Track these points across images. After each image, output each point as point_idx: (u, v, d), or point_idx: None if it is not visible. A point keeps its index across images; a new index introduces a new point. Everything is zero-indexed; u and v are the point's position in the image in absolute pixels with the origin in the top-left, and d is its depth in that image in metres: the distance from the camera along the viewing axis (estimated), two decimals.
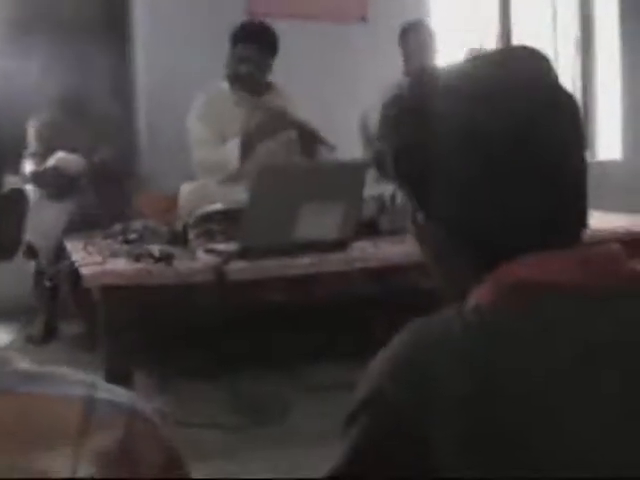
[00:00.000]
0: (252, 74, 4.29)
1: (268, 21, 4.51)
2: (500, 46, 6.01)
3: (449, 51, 5.30)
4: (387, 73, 4.99)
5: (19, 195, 0.89)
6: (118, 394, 0.77)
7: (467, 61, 1.10)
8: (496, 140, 0.99)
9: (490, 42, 6.04)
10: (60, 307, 4.28)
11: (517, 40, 6.13)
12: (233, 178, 4.08)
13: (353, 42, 5.35)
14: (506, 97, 1.01)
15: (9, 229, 0.88)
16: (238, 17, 5.09)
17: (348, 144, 4.42)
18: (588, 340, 0.92)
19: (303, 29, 4.90)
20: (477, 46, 5.49)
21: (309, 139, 4.22)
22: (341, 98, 5.15)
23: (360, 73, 5.21)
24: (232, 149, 4.16)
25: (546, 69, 1.07)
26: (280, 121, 4.23)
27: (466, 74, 1.07)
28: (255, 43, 4.23)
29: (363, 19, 5.43)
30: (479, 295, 0.99)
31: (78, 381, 0.77)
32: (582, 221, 1.04)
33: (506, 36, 6.09)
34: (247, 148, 4.17)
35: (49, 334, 4.24)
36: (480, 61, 1.10)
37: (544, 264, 0.97)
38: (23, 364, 0.77)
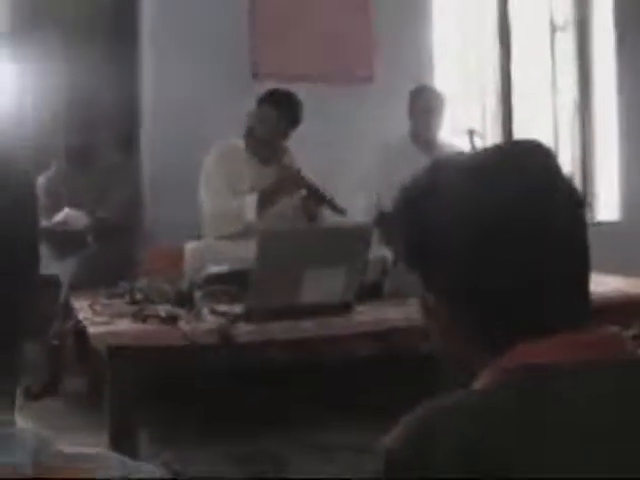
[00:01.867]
0: (268, 137, 4.42)
1: (275, 83, 4.63)
2: (501, 109, 6.12)
3: (452, 113, 5.37)
4: (392, 134, 5.10)
5: (55, 280, 0.95)
6: (147, 471, 0.81)
7: (476, 152, 1.17)
8: (502, 224, 1.05)
9: (491, 102, 6.13)
10: (63, 364, 4.30)
11: (517, 100, 6.22)
12: (243, 234, 4.14)
13: (358, 103, 5.42)
14: (512, 184, 1.07)
15: (44, 312, 0.93)
16: (245, 78, 5.21)
17: (352, 205, 4.48)
18: (587, 422, 0.95)
19: (309, 90, 4.98)
20: (475, 124, 5.55)
21: (319, 202, 4.30)
22: (345, 159, 5.21)
23: (365, 134, 5.28)
24: (250, 203, 4.24)
25: (548, 159, 1.12)
26: (296, 181, 4.33)
27: (475, 164, 1.12)
28: (276, 109, 4.37)
29: (369, 79, 5.51)
30: (483, 379, 1.04)
31: (114, 464, 0.81)
32: (585, 299, 1.09)
33: (507, 99, 6.18)
34: (265, 204, 4.26)
35: (49, 390, 4.25)
36: (488, 151, 1.17)
37: (546, 349, 1.02)
38: (62, 445, 0.81)
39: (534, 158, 1.11)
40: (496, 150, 1.16)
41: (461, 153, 1.25)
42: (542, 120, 6.38)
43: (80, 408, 4.00)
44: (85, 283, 4.06)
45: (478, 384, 1.04)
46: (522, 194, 1.06)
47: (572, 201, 1.11)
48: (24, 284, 0.89)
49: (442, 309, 1.11)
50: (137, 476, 0.80)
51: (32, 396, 4.18)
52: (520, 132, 6.17)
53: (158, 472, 0.83)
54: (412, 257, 1.15)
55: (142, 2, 5.30)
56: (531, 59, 6.36)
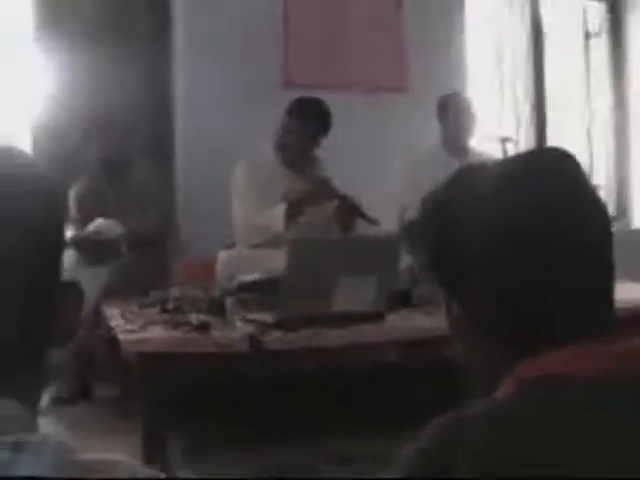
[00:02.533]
0: (297, 146, 4.42)
1: (306, 92, 4.64)
2: (535, 117, 6.09)
3: (484, 122, 5.36)
4: (424, 143, 5.09)
5: (78, 287, 0.96)
6: None
7: (503, 159, 1.16)
8: (529, 233, 1.04)
9: (525, 110, 6.11)
10: (95, 371, 4.33)
11: (551, 107, 6.20)
12: (274, 243, 4.15)
13: (390, 113, 5.43)
14: (539, 192, 1.06)
15: (67, 318, 0.94)
16: (276, 86, 5.23)
17: (383, 214, 4.47)
18: (604, 431, 0.95)
19: (341, 99, 4.98)
20: (509, 132, 5.54)
21: (350, 212, 4.29)
22: (376, 169, 5.21)
23: (396, 144, 5.28)
24: (278, 213, 4.23)
25: (576, 168, 1.12)
26: (325, 191, 4.33)
27: (502, 172, 1.12)
28: (305, 118, 4.36)
29: (402, 89, 5.51)
30: (503, 389, 1.03)
31: (136, 473, 0.81)
32: (610, 310, 1.08)
33: (540, 107, 6.15)
34: (293, 214, 4.25)
35: (80, 396, 4.28)
36: (515, 158, 1.16)
37: (567, 359, 1.01)
38: (84, 453, 0.82)
39: (563, 167, 1.10)
40: (524, 158, 1.15)
41: (488, 160, 1.24)
42: (576, 127, 6.35)
43: (112, 414, 4.01)
44: (117, 292, 4.10)
45: (500, 393, 1.04)
46: (551, 203, 1.05)
47: (599, 212, 1.10)
48: (46, 291, 0.90)
49: (466, 317, 1.11)
50: None
51: (63, 402, 4.22)
52: (554, 140, 6.14)
53: None
54: (437, 264, 1.15)
55: (175, 11, 5.33)
56: (565, 66, 6.33)
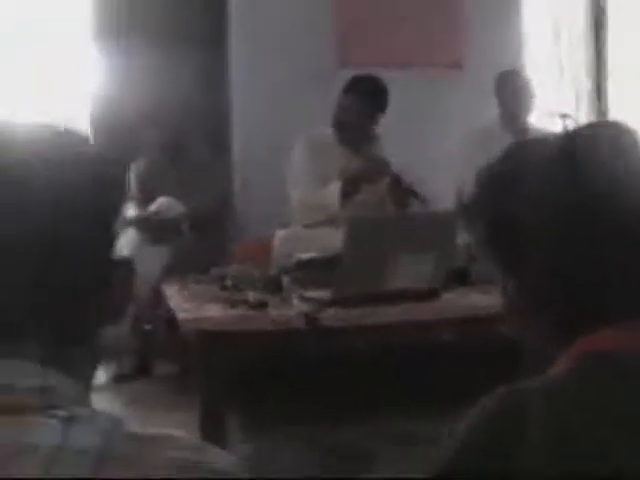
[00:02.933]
0: (355, 124, 4.41)
1: (362, 70, 4.63)
2: (595, 93, 5.99)
3: (543, 99, 5.28)
4: (482, 120, 5.04)
5: (130, 265, 0.97)
6: (223, 460, 0.82)
7: (558, 134, 1.15)
8: (585, 208, 1.03)
9: (586, 86, 6.00)
10: (156, 349, 4.40)
11: (612, 83, 6.08)
12: (330, 222, 4.16)
13: (447, 89, 5.39)
14: (595, 167, 1.05)
15: (119, 295, 0.95)
16: (332, 66, 5.22)
17: (440, 193, 4.45)
18: None
19: (397, 77, 4.95)
20: (569, 108, 5.45)
21: (403, 191, 4.28)
22: (434, 146, 5.18)
23: (453, 122, 5.23)
24: (333, 192, 4.25)
25: (633, 141, 1.10)
26: (380, 169, 4.32)
27: (558, 145, 1.10)
28: (361, 95, 4.37)
29: (459, 66, 5.46)
30: (559, 366, 1.03)
31: (186, 446, 0.82)
32: None
33: (601, 82, 6.04)
34: (348, 192, 4.26)
35: (140, 373, 4.35)
36: (571, 134, 1.14)
37: (619, 336, 1.01)
38: (133, 427, 0.83)
39: (620, 141, 1.08)
40: (580, 132, 1.13)
41: (545, 135, 1.22)
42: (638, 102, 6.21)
43: (171, 391, 4.09)
44: (178, 271, 4.15)
45: (555, 369, 1.04)
46: (607, 178, 1.04)
47: None
48: (98, 269, 0.91)
49: (521, 294, 1.11)
50: (208, 464, 0.81)
51: (124, 379, 4.30)
52: (615, 115, 6.02)
53: (233, 465, 0.84)
54: (493, 239, 1.14)
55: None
56: (627, 40, 6.19)
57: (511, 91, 4.93)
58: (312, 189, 4.32)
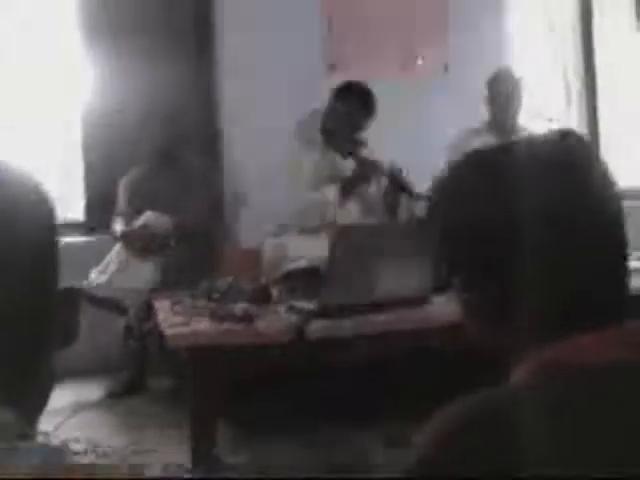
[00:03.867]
0: (342, 130, 4.46)
1: (350, 75, 4.64)
2: (584, 91, 5.97)
3: (532, 97, 5.26)
4: (469, 123, 5.02)
5: (74, 294, 0.96)
6: None
7: (509, 143, 1.15)
8: (543, 216, 1.03)
9: (574, 84, 5.99)
10: (148, 364, 4.38)
11: (602, 84, 6.07)
12: (327, 226, 4.16)
13: (433, 92, 5.38)
14: (547, 177, 1.05)
15: (66, 324, 0.94)
16: (320, 71, 5.22)
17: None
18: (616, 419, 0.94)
19: (384, 80, 4.94)
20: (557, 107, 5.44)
21: (399, 189, 4.29)
22: (421, 150, 5.16)
23: (440, 125, 5.21)
24: (330, 194, 4.27)
25: (584, 150, 1.10)
26: (374, 169, 4.34)
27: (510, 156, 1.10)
28: (349, 102, 4.41)
29: (444, 68, 5.45)
30: (520, 374, 1.02)
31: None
32: (622, 298, 1.06)
33: (590, 81, 6.03)
34: (345, 194, 4.30)
35: (133, 389, 4.33)
36: (523, 143, 1.15)
37: (579, 345, 1.00)
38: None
39: (570, 151, 1.09)
40: (532, 142, 1.14)
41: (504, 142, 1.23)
42: (629, 99, 6.20)
43: (165, 405, 4.06)
44: (168, 284, 4.14)
45: (516, 377, 1.03)
46: (560, 187, 1.04)
47: (609, 195, 1.08)
48: (42, 297, 0.90)
49: (481, 300, 1.10)
50: None
51: (117, 395, 4.28)
52: (604, 115, 6.01)
53: None
54: (451, 245, 1.14)
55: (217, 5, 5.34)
56: (615, 36, 6.18)
57: (501, 93, 4.90)
58: (307, 190, 4.35)
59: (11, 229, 0.87)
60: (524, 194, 1.03)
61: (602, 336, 1.00)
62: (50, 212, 0.94)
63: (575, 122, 5.81)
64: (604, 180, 1.08)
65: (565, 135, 1.11)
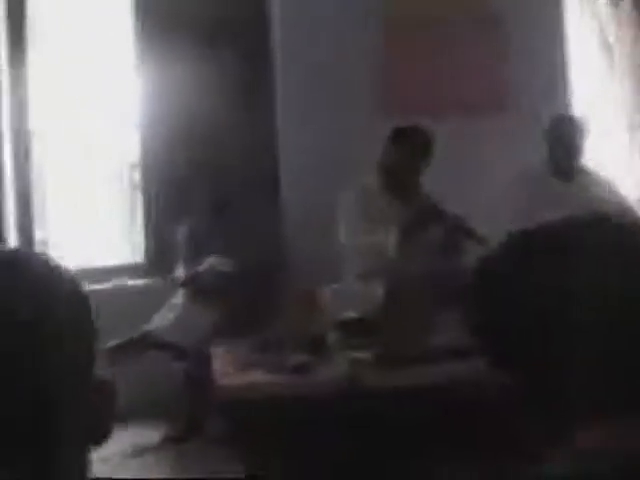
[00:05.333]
0: (400, 174, 4.45)
1: (407, 118, 4.62)
2: None
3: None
4: (528, 164, 4.96)
5: (112, 387, 0.95)
6: None
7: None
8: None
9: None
10: (207, 409, 4.38)
11: None
12: (385, 271, 4.13)
13: (492, 133, 5.33)
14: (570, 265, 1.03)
15: (103, 417, 0.93)
16: (378, 116, 5.20)
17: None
18: None
19: (442, 124, 4.92)
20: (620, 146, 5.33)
21: (461, 233, 4.24)
22: (480, 192, 5.10)
23: (498, 165, 5.16)
24: (390, 238, 4.23)
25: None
26: (435, 214, 4.30)
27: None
28: (406, 146, 4.39)
29: (502, 108, 5.41)
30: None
31: None
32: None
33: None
34: (404, 239, 4.24)
35: (190, 435, 4.34)
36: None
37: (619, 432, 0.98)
38: None
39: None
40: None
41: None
42: None
43: (222, 452, 4.05)
44: (228, 331, 4.15)
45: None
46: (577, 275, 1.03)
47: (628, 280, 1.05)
48: (70, 392, 0.89)
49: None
50: None
51: (175, 440, 4.29)
52: None
53: None
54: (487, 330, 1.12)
55: (275, 47, 5.39)
56: None
57: (564, 136, 4.78)
58: (365, 236, 4.31)
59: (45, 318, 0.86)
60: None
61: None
62: (82, 308, 0.93)
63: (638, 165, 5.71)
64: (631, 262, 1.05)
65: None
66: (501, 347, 1.11)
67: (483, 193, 4.99)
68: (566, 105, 5.42)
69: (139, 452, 4.11)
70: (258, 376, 3.12)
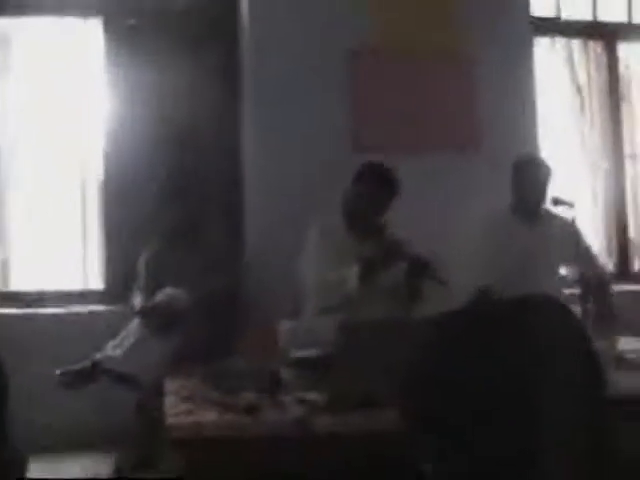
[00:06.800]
0: (364, 213, 4.39)
1: (376, 155, 4.59)
2: (613, 172, 5.90)
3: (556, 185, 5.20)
4: (497, 204, 4.95)
5: (24, 461, 0.92)
6: None
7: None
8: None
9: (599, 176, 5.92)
10: (160, 441, 4.32)
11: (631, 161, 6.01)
12: (346, 305, 4.10)
13: (462, 173, 5.34)
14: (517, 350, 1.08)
15: None
16: (346, 151, 5.19)
17: (453, 277, 4.36)
18: None
19: (411, 161, 4.92)
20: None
21: (421, 273, 4.20)
22: (448, 231, 5.10)
23: (469, 204, 5.16)
24: (351, 274, 4.18)
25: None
26: (397, 251, 4.25)
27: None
28: (371, 184, 4.35)
29: (475, 147, 5.41)
30: None
31: None
32: None
33: (619, 162, 5.97)
34: (366, 275, 4.20)
35: (142, 467, 4.28)
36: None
37: None
38: None
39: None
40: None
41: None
42: None
43: None
44: (182, 362, 4.09)
45: None
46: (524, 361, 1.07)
47: (585, 364, 1.04)
48: None
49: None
50: None
51: (123, 471, 4.23)
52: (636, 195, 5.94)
53: None
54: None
55: (244, 77, 5.37)
56: None
57: (530, 179, 4.78)
58: (327, 272, 4.26)
59: None
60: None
61: None
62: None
63: (600, 209, 5.73)
64: (578, 349, 1.04)
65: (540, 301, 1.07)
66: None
67: (448, 232, 4.99)
68: (533, 146, 5.42)
69: None
70: (209, 415, 3.06)
